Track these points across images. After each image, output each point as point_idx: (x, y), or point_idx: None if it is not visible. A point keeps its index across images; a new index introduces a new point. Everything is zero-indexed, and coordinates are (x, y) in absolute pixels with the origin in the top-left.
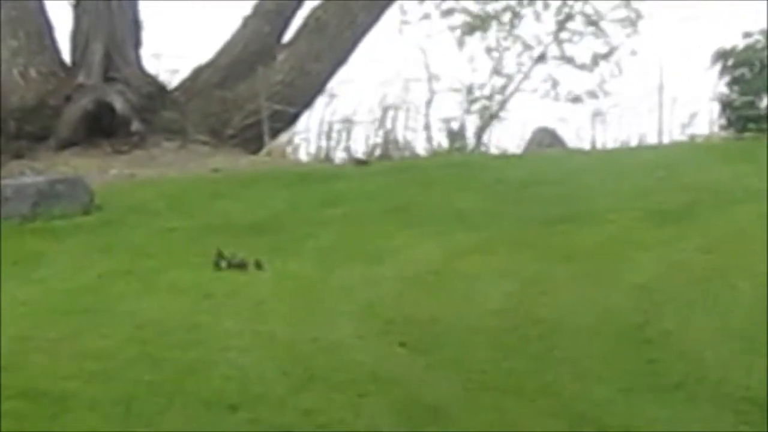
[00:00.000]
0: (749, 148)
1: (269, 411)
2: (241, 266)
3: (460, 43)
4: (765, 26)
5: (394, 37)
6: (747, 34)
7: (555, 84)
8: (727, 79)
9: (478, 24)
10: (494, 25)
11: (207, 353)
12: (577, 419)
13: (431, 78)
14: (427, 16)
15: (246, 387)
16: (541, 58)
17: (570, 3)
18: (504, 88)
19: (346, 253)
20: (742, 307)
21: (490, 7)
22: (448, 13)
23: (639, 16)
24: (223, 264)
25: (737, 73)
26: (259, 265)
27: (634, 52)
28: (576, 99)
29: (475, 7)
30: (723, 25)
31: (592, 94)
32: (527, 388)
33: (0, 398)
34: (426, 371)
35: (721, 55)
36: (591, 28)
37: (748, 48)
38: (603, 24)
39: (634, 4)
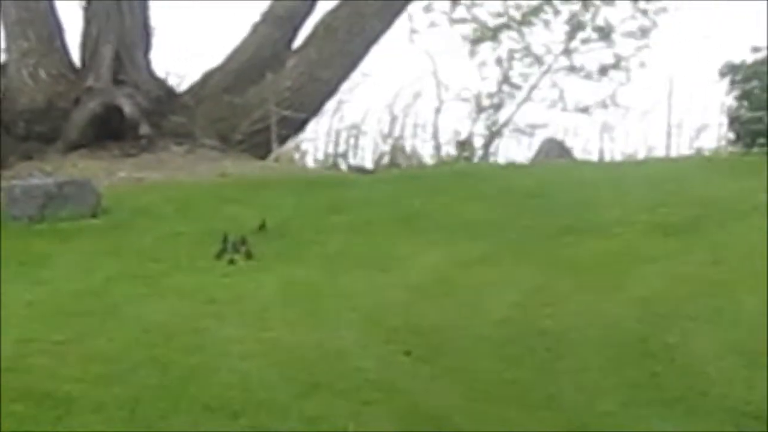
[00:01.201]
0: (757, 163)
1: (272, 417)
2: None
3: (471, 53)
4: None
5: (403, 46)
6: (755, 49)
7: (562, 94)
8: (735, 93)
9: (488, 34)
10: (504, 34)
11: (211, 358)
12: (579, 431)
13: (440, 87)
14: (434, 25)
15: (249, 393)
16: (550, 68)
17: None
18: (513, 97)
19: (352, 260)
20: (746, 322)
21: (501, 17)
22: (458, 21)
23: (654, 24)
24: (229, 255)
25: (746, 87)
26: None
27: (643, 64)
28: (584, 110)
29: (485, 16)
30: (732, 39)
31: (601, 105)
32: (530, 399)
33: (4, 400)
34: (430, 380)
35: (730, 70)
36: (601, 40)
37: (757, 63)
38: (613, 36)
39: (648, 15)
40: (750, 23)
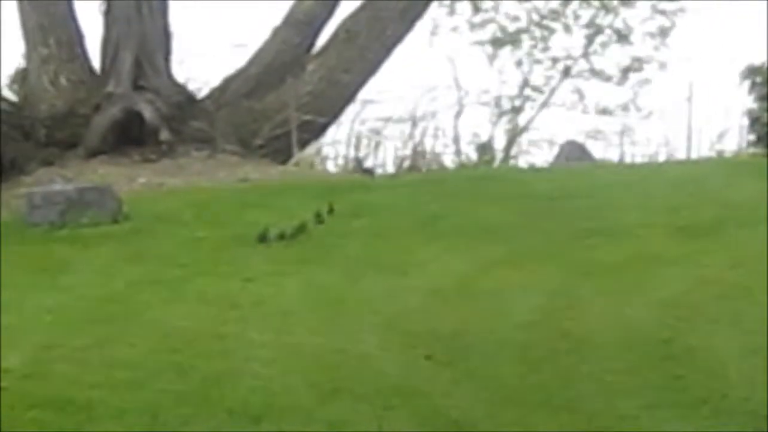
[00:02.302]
0: None
1: (294, 422)
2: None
3: (492, 57)
4: None
5: (424, 50)
6: None
7: (582, 96)
8: (756, 95)
9: (507, 39)
10: (525, 38)
11: (233, 363)
12: None
13: (460, 91)
14: (455, 29)
15: (271, 398)
16: (570, 71)
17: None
18: (533, 100)
19: (373, 264)
20: (767, 324)
21: (521, 21)
22: (479, 26)
23: (673, 25)
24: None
25: (766, 89)
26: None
27: (663, 66)
28: (605, 112)
29: (505, 21)
30: (753, 41)
31: (622, 107)
32: (553, 402)
33: (25, 407)
34: (451, 384)
35: (751, 72)
36: (620, 42)
37: None
38: (633, 38)
39: (667, 14)
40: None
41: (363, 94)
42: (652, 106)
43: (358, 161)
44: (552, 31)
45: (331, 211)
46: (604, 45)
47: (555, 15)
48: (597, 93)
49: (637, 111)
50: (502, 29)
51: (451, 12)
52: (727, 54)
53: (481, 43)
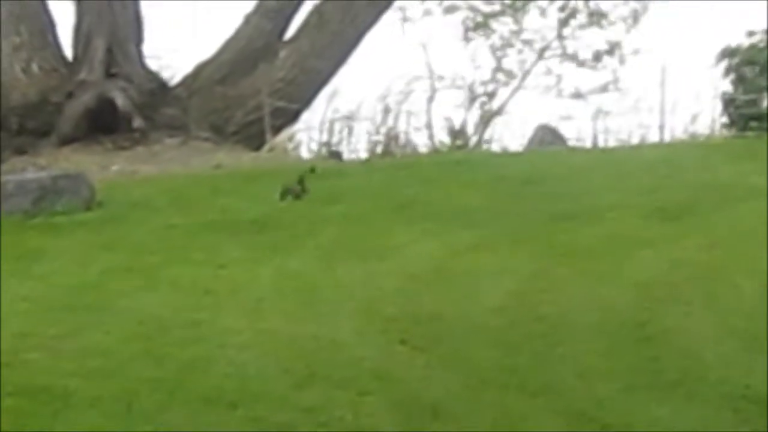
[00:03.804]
0: (751, 146)
1: (269, 408)
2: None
3: (466, 40)
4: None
5: (396, 35)
6: (751, 33)
7: (559, 80)
8: (730, 77)
9: (481, 22)
10: (498, 21)
11: (207, 350)
12: (578, 417)
13: (433, 75)
14: (428, 13)
15: (246, 384)
16: (544, 54)
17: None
18: (506, 85)
19: (348, 250)
20: (743, 306)
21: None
22: (451, 10)
23: (645, 8)
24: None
25: (741, 71)
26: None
27: (636, 51)
28: (578, 96)
29: (479, 4)
30: (724, 23)
31: (597, 91)
32: (528, 385)
33: (0, 395)
34: (427, 369)
35: (726, 54)
36: (594, 25)
37: (753, 47)
38: (606, 21)
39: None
40: (742, 7)
41: (336, 80)
42: (626, 90)
43: (328, 146)
44: (525, 12)
45: (301, 184)
46: (579, 28)
47: None
48: (571, 77)
49: (610, 94)
50: (476, 12)
51: None
52: (699, 37)
53: (454, 26)
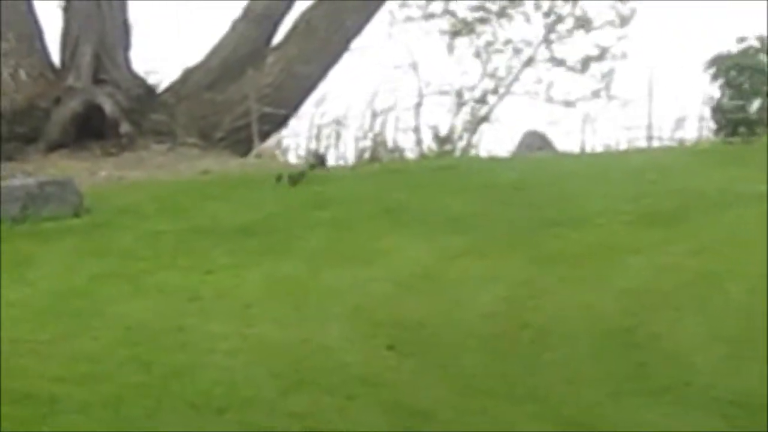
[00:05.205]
0: (739, 152)
1: (257, 414)
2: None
3: (450, 47)
4: (763, 31)
5: (384, 41)
6: (741, 39)
7: (549, 87)
8: (719, 83)
9: (462, 28)
10: (483, 27)
11: (195, 356)
12: (566, 423)
13: (420, 81)
14: (410, 19)
15: (234, 390)
16: (531, 60)
17: (560, 4)
18: (494, 91)
19: (336, 255)
20: (732, 311)
21: (478, 12)
22: (431, 16)
23: (633, 12)
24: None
25: (729, 77)
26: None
27: (624, 56)
28: (567, 102)
29: (462, 11)
30: (713, 29)
31: (584, 97)
32: (516, 391)
33: None
34: (415, 375)
35: (716, 60)
36: (581, 31)
37: (743, 52)
38: (593, 26)
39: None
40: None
41: (323, 86)
42: (613, 95)
43: (314, 152)
44: (510, 18)
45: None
46: (565, 33)
47: (514, 4)
48: (559, 83)
49: (598, 100)
50: (458, 19)
51: (403, 4)
52: (688, 42)
53: (441, 32)
